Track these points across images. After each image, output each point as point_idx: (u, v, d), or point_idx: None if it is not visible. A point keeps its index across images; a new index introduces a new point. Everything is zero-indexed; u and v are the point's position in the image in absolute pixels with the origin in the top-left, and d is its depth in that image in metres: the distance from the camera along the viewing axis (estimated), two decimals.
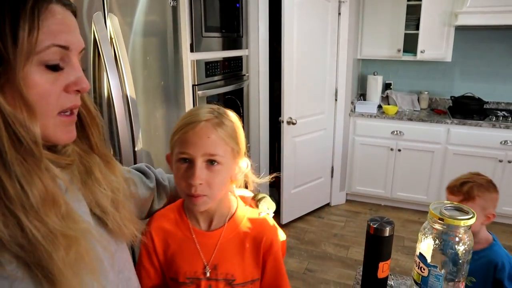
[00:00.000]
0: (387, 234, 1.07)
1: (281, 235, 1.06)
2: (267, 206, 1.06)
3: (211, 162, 0.87)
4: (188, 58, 2.34)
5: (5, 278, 0.51)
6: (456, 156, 3.36)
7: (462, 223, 0.99)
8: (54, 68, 0.58)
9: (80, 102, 0.64)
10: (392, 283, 1.22)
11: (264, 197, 1.09)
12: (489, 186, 1.47)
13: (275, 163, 3.72)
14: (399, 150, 3.54)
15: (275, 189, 3.75)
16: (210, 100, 2.62)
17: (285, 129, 3.15)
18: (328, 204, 3.86)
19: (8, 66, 0.53)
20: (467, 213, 1.02)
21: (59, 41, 0.57)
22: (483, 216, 1.44)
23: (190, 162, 0.87)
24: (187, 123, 0.88)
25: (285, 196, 3.33)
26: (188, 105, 2.38)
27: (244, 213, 1.00)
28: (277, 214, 3.54)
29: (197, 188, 0.86)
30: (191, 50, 2.37)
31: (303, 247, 3.16)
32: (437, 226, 1.03)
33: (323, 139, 3.56)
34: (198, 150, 0.86)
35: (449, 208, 1.05)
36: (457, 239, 1.02)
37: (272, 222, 1.03)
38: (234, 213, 0.98)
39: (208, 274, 0.94)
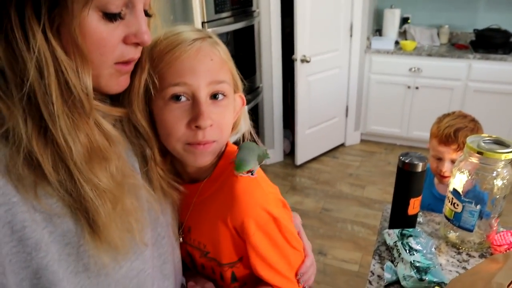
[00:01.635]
0: (419, 169, 1.02)
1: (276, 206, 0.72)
2: (246, 164, 0.67)
3: (215, 96, 0.65)
4: None
5: (41, 212, 0.48)
6: (476, 93, 3.23)
7: (503, 156, 0.93)
8: (114, 17, 0.51)
9: (139, 54, 0.58)
10: (421, 219, 1.19)
11: (247, 147, 0.71)
12: (478, 128, 1.39)
13: (287, 104, 3.63)
14: (417, 88, 3.41)
15: (289, 130, 3.70)
16: (221, 37, 2.49)
17: (299, 68, 3.03)
18: (342, 144, 3.82)
19: (64, 8, 0.47)
20: (507, 146, 0.96)
21: None
22: None
23: (188, 99, 0.63)
24: (174, 43, 0.63)
25: (299, 136, 3.29)
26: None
27: (229, 168, 0.71)
28: (291, 155, 3.54)
29: (206, 132, 0.63)
30: None
31: (318, 187, 3.16)
32: (474, 160, 0.97)
33: (337, 78, 3.44)
34: (202, 78, 0.62)
35: (487, 141, 0.99)
36: (494, 173, 0.96)
37: (248, 190, 0.68)
38: (216, 166, 0.72)
39: (180, 239, 0.75)
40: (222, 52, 0.68)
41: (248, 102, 2.77)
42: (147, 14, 0.58)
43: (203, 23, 2.30)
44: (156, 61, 0.62)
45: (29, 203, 0.47)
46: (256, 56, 3.09)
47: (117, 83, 0.58)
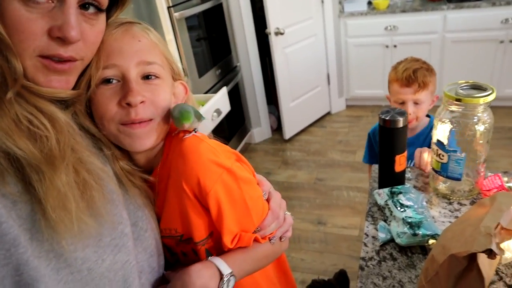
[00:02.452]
0: (401, 125, 1.00)
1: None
2: (187, 115, 0.66)
3: (147, 77, 0.64)
4: None
5: (6, 197, 0.48)
6: (454, 43, 3.21)
7: (481, 100, 0.91)
8: (36, 1, 0.49)
9: (71, 53, 0.54)
10: (409, 175, 1.18)
11: (181, 105, 0.70)
12: (432, 69, 1.46)
13: (268, 80, 3.59)
14: (395, 46, 3.39)
15: (273, 106, 3.67)
16: (189, 21, 2.44)
17: (274, 41, 2.98)
18: (329, 113, 3.80)
19: None
20: (485, 90, 0.95)
21: None
22: (431, 99, 1.46)
23: (119, 80, 0.63)
24: None
25: (284, 110, 3.26)
26: (167, 30, 2.20)
27: (172, 143, 0.70)
28: (279, 130, 3.52)
29: (138, 109, 0.62)
30: None
31: (310, 158, 3.16)
32: (454, 108, 0.96)
33: (314, 46, 3.39)
34: (130, 58, 0.62)
35: (465, 87, 0.97)
36: (475, 119, 0.95)
37: (195, 146, 0.66)
38: (164, 146, 0.71)
39: None
40: (153, 36, 0.67)
41: (227, 83, 2.74)
42: (98, 9, 0.56)
43: (168, 7, 2.23)
44: None
45: (4, 202, 0.46)
46: (229, 36, 3.03)
47: (47, 81, 0.54)
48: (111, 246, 0.56)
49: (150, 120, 0.64)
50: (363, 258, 0.93)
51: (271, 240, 0.75)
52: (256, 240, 0.71)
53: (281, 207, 0.78)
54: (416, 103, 1.41)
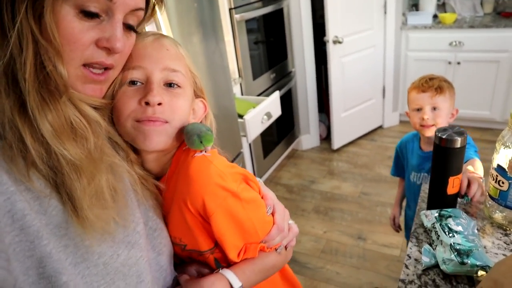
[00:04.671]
0: (458, 145, 0.95)
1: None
2: (201, 140, 0.66)
3: (170, 84, 0.67)
4: None
5: (36, 199, 0.50)
6: None
7: None
8: (90, 15, 0.54)
9: (111, 62, 0.59)
10: (461, 200, 1.11)
11: (194, 124, 0.71)
12: (450, 82, 1.49)
13: (322, 88, 3.55)
14: (458, 63, 3.23)
15: (324, 114, 3.63)
16: (249, 24, 2.46)
17: (331, 49, 2.94)
18: (380, 127, 3.69)
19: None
20: None
21: None
22: (450, 113, 1.47)
23: (142, 83, 0.66)
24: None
25: (334, 120, 3.21)
26: (227, 30, 2.24)
27: (182, 156, 0.71)
28: (328, 140, 3.47)
29: (155, 109, 0.64)
30: None
31: (356, 171, 3.08)
32: None
33: (372, 57, 3.31)
34: (156, 63, 0.66)
35: None
36: None
37: (202, 168, 0.66)
38: (175, 153, 0.72)
39: None
40: (181, 49, 0.71)
41: (280, 87, 2.75)
42: (133, 29, 0.62)
43: (230, 9, 2.27)
44: None
45: (23, 187, 0.48)
46: (287, 41, 3.03)
47: (83, 89, 0.58)
48: (125, 243, 0.58)
49: (165, 122, 0.66)
50: (402, 281, 0.89)
51: (277, 250, 0.77)
52: (261, 249, 0.73)
53: (285, 219, 0.79)
54: (434, 108, 1.43)
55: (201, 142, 0.66)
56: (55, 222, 0.50)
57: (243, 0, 2.38)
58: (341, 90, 3.15)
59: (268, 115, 2.28)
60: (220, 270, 0.71)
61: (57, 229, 0.50)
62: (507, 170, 0.93)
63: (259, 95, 2.67)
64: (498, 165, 0.95)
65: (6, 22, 0.49)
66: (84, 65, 0.56)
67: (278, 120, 2.67)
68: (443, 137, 0.96)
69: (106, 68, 0.60)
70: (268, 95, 2.50)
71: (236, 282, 0.69)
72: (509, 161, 0.92)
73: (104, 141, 0.61)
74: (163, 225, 0.71)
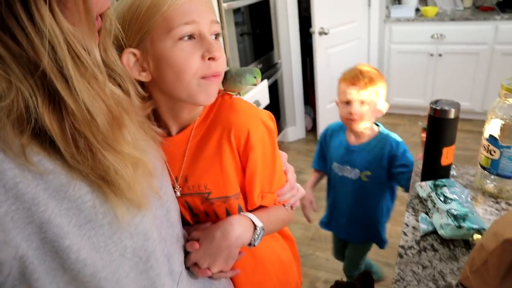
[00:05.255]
0: (452, 116, 0.98)
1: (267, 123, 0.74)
2: (255, 76, 0.74)
3: (214, 35, 0.69)
4: None
5: (31, 171, 0.47)
6: (504, 56, 3.11)
7: None
8: None
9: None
10: (454, 172, 1.15)
11: (237, 69, 0.76)
12: (381, 74, 1.46)
13: (307, 81, 3.58)
14: (440, 55, 3.31)
15: (309, 106, 3.66)
16: (236, 16, 2.47)
17: (317, 40, 2.97)
18: None
19: None
20: None
21: None
22: (379, 108, 1.45)
23: (195, 37, 0.66)
24: None
25: (320, 111, 3.24)
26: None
27: (217, 101, 0.74)
28: (313, 131, 3.50)
29: (218, 64, 0.67)
30: None
31: None
32: (511, 101, 0.92)
33: (357, 50, 3.36)
34: (206, 17, 0.66)
35: None
36: None
37: (246, 104, 0.73)
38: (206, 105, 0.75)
39: (178, 193, 0.75)
40: None
41: (267, 78, 2.75)
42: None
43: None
44: (155, 6, 0.63)
45: (17, 162, 0.46)
46: (273, 32, 3.05)
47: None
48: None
49: (220, 75, 0.70)
50: (402, 246, 0.91)
51: (285, 206, 0.83)
52: (274, 202, 0.80)
53: (295, 179, 0.85)
54: (362, 102, 1.40)
55: (255, 77, 0.73)
56: (54, 186, 0.48)
57: None
58: (326, 81, 3.18)
59: (257, 103, 2.29)
60: (242, 213, 0.76)
61: (56, 193, 0.48)
62: (498, 138, 0.96)
63: None
64: (490, 135, 0.98)
65: (25, 23, 0.44)
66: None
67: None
68: (437, 108, 0.98)
69: None
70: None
71: (258, 222, 0.74)
72: (500, 129, 0.95)
73: (135, 126, 0.60)
74: (169, 182, 0.71)
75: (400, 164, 1.44)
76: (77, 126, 0.48)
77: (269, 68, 3.04)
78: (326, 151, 1.65)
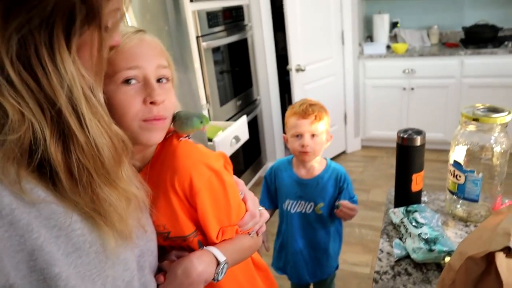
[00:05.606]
0: (418, 143, 1.03)
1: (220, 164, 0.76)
2: (201, 121, 0.75)
3: (159, 79, 0.70)
4: (189, 9, 2.26)
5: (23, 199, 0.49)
6: (472, 89, 3.26)
7: (498, 120, 0.94)
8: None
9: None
10: (426, 199, 1.19)
11: (184, 111, 0.78)
12: (326, 109, 1.50)
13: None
14: (412, 89, 3.45)
15: None
16: (216, 54, 2.55)
17: (294, 77, 3.08)
18: (344, 152, 3.83)
19: (94, 29, 0.51)
20: (501, 111, 0.97)
21: None
22: (326, 139, 1.49)
23: (139, 81, 0.67)
24: (120, 34, 0.66)
25: None
26: (195, 57, 2.31)
27: (166, 143, 0.76)
28: None
29: (160, 107, 0.68)
30: (191, 0, 2.28)
31: None
32: (471, 128, 0.98)
33: (333, 85, 3.48)
34: (150, 62, 0.68)
35: (481, 109, 1.00)
36: (492, 140, 0.97)
37: (189, 149, 0.74)
38: (161, 142, 0.75)
39: None
40: (160, 44, 0.74)
41: (246, 114, 2.79)
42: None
43: (197, 37, 2.36)
44: None
45: (12, 190, 0.47)
46: (251, 69, 3.14)
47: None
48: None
49: (165, 118, 0.71)
50: (377, 272, 0.93)
51: (250, 234, 0.83)
52: (236, 232, 0.80)
53: (255, 205, 0.86)
54: (313, 135, 1.43)
55: (201, 122, 0.73)
56: (45, 214, 0.50)
57: (210, 29, 2.47)
58: None
59: (237, 138, 2.33)
60: (205, 247, 0.75)
61: (47, 220, 0.50)
62: (462, 164, 1.01)
63: (226, 121, 2.73)
64: (455, 161, 1.03)
65: (47, 65, 0.48)
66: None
67: (244, 147, 2.72)
68: (405, 136, 1.04)
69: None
70: (235, 121, 2.56)
71: (221, 256, 0.74)
72: (464, 156, 1.01)
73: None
74: (147, 213, 0.72)
75: (350, 197, 1.51)
76: (83, 160, 0.51)
77: (248, 105, 3.12)
78: (274, 189, 1.62)
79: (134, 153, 0.74)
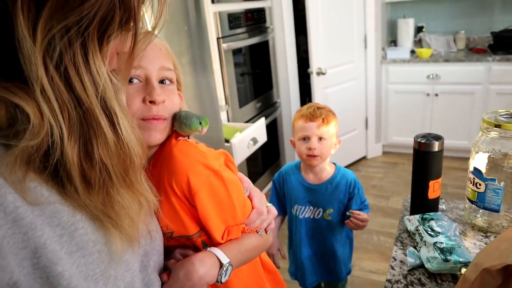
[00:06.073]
0: (436, 149, 0.99)
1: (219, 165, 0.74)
2: (200, 122, 0.74)
3: (162, 81, 0.71)
4: (210, 10, 2.27)
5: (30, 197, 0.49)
6: (499, 96, 3.16)
7: None
8: None
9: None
10: (444, 207, 1.15)
11: (185, 111, 0.77)
12: (334, 112, 1.49)
13: None
14: (436, 95, 3.37)
15: None
16: (236, 53, 2.56)
17: (315, 81, 3.05)
18: (364, 157, 3.77)
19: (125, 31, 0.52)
20: None
21: None
22: (334, 143, 1.47)
23: (141, 81, 0.68)
24: None
25: None
26: (215, 58, 2.32)
27: (166, 143, 0.75)
28: None
29: (159, 107, 0.68)
30: (212, 1, 2.29)
31: None
32: (493, 134, 0.94)
33: (355, 89, 3.43)
34: (154, 63, 0.69)
35: (504, 115, 0.96)
36: None
37: (186, 149, 0.72)
38: (163, 142, 0.75)
39: None
40: (166, 46, 0.75)
41: (266, 117, 2.79)
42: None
43: (218, 38, 2.36)
44: None
45: (16, 188, 0.47)
46: (272, 72, 3.13)
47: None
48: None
49: (164, 119, 0.71)
50: (389, 281, 0.90)
51: (258, 232, 0.82)
52: (242, 231, 0.77)
53: (263, 202, 0.83)
54: (320, 138, 1.41)
55: (200, 123, 0.72)
56: (48, 212, 0.50)
57: (231, 31, 2.48)
58: None
59: (254, 140, 2.32)
60: (208, 248, 0.74)
61: (50, 219, 0.50)
62: (483, 172, 0.97)
63: (245, 122, 2.72)
64: (475, 168, 0.99)
65: (81, 70, 0.49)
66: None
67: (263, 149, 2.71)
68: (422, 142, 1.00)
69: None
70: (253, 123, 2.55)
71: (224, 258, 0.72)
72: (486, 163, 0.97)
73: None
74: (152, 212, 0.72)
75: (361, 202, 1.48)
76: (106, 160, 0.51)
77: (268, 107, 3.11)
78: (283, 194, 1.59)
79: None
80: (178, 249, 0.77)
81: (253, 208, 0.80)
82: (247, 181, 0.83)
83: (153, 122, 0.69)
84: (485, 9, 3.50)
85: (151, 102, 0.68)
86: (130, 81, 0.68)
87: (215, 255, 0.72)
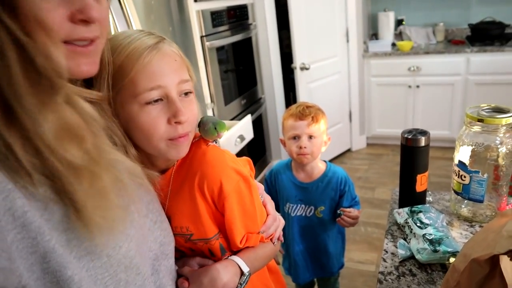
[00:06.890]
0: (423, 144, 1.03)
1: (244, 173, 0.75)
2: (215, 127, 0.75)
3: (184, 93, 0.70)
4: (193, 9, 2.26)
5: (38, 200, 0.49)
6: (478, 86, 3.24)
7: (503, 121, 0.94)
8: None
9: (95, 34, 0.54)
10: (430, 198, 1.19)
11: (211, 119, 0.78)
12: (323, 111, 1.49)
13: None
14: (418, 87, 3.44)
15: None
16: (220, 51, 2.56)
17: (299, 76, 3.07)
18: (349, 150, 3.82)
19: None
20: (507, 112, 0.97)
21: None
22: (324, 141, 1.48)
23: (163, 99, 0.67)
24: (139, 50, 0.65)
25: None
26: (199, 56, 2.32)
27: (193, 148, 0.76)
28: None
29: (184, 126, 0.68)
30: (195, 0, 2.29)
31: None
32: (476, 128, 0.98)
33: (338, 83, 3.47)
34: (172, 79, 0.66)
35: (486, 110, 1.00)
36: (497, 141, 0.97)
37: (218, 154, 0.74)
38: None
39: None
40: (178, 50, 0.72)
41: (251, 113, 2.80)
42: None
43: (201, 36, 2.36)
44: (125, 69, 0.64)
45: (24, 190, 0.47)
46: (256, 68, 3.14)
47: (76, 67, 0.54)
48: (124, 234, 0.58)
49: (190, 132, 0.71)
50: (381, 273, 0.93)
51: (274, 242, 0.85)
52: (261, 240, 0.81)
53: (274, 208, 0.87)
54: (310, 137, 1.43)
55: (215, 128, 0.74)
56: (57, 217, 0.50)
57: (214, 29, 2.48)
58: None
59: (241, 137, 2.33)
60: (229, 257, 0.77)
61: (58, 224, 0.50)
62: (467, 164, 1.01)
63: (231, 120, 2.73)
64: (459, 161, 1.03)
65: None
66: (66, 42, 0.51)
67: (249, 145, 2.72)
68: (409, 137, 1.04)
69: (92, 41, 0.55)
70: (239, 120, 2.56)
71: (245, 267, 0.75)
72: (469, 156, 1.00)
73: (102, 137, 0.58)
74: (163, 217, 0.72)
75: (352, 198, 1.51)
76: (26, 133, 0.47)
77: (253, 103, 3.12)
78: (275, 192, 1.60)
79: (155, 163, 0.75)
80: (197, 257, 0.78)
81: (267, 214, 0.84)
82: (261, 187, 0.86)
83: (180, 141, 0.69)
84: (463, 1, 3.58)
85: (176, 122, 0.67)
86: (154, 101, 0.66)
87: (237, 263, 0.75)
